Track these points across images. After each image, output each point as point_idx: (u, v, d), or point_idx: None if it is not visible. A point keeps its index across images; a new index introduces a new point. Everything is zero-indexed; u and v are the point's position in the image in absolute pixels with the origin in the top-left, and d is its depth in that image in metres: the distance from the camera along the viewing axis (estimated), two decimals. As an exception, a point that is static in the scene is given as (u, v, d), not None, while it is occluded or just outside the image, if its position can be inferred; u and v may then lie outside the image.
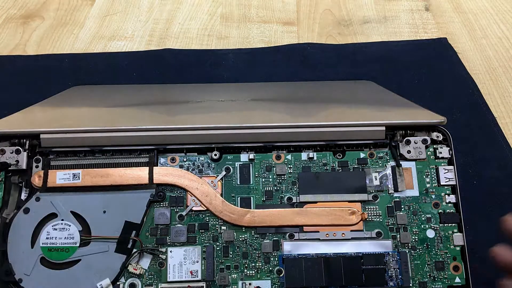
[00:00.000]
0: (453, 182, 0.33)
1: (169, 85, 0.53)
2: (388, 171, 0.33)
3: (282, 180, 0.33)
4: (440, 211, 0.33)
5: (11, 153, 0.33)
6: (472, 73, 0.56)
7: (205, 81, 0.56)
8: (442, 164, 0.33)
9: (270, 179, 0.33)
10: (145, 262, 0.31)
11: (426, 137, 0.34)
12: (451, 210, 0.33)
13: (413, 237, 0.32)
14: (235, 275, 0.31)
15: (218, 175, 0.33)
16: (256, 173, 0.33)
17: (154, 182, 0.32)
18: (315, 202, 0.33)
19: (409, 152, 0.33)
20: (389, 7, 0.66)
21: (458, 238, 0.32)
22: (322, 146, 0.34)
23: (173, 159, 0.33)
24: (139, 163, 0.33)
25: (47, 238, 0.31)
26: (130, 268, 0.31)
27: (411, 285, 0.31)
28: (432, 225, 0.32)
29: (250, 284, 0.31)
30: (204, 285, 0.31)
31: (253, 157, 0.33)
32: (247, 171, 0.33)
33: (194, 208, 0.32)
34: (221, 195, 0.33)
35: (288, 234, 0.32)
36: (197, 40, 0.62)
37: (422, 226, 0.32)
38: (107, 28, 0.64)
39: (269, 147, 0.34)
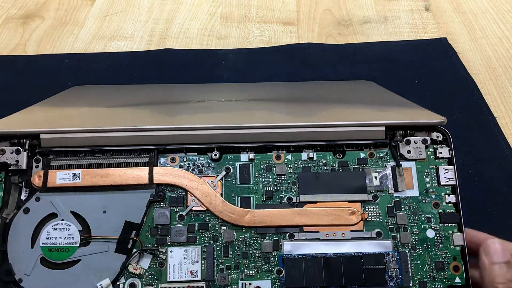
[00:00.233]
0: (453, 182, 0.33)
1: (169, 85, 0.53)
2: (388, 171, 0.33)
3: (282, 180, 0.33)
4: (440, 211, 0.32)
5: (11, 153, 0.33)
6: (472, 73, 0.56)
7: (205, 81, 0.56)
8: (442, 164, 0.33)
9: (270, 179, 0.33)
10: (145, 262, 0.31)
11: (426, 137, 0.34)
12: (451, 210, 0.33)
13: (413, 237, 0.32)
14: (235, 275, 0.31)
15: (218, 175, 0.33)
16: (256, 173, 0.33)
17: (154, 182, 0.32)
18: (315, 202, 0.33)
19: (409, 152, 0.33)
20: (389, 7, 0.66)
21: (458, 238, 0.32)
22: (322, 146, 0.34)
23: (173, 159, 0.33)
24: (139, 163, 0.33)
25: (47, 238, 0.31)
26: (130, 268, 0.31)
27: (411, 285, 0.31)
28: (432, 225, 0.32)
29: (250, 284, 0.31)
30: (204, 285, 0.31)
31: (253, 157, 0.33)
32: (247, 171, 0.33)
33: (194, 208, 0.32)
34: (221, 195, 0.33)
35: (288, 234, 0.32)
36: (197, 40, 0.62)
37: (422, 226, 0.32)
38: (107, 28, 0.64)
39: (269, 147, 0.34)
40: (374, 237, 0.32)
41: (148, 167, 0.33)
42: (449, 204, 0.33)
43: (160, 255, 0.31)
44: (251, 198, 0.33)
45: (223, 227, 0.32)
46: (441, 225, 0.32)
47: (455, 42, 0.60)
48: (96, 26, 0.64)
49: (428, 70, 0.56)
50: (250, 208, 0.32)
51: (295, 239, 0.32)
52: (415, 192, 0.33)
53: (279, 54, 0.59)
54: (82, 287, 0.31)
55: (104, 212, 0.32)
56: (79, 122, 0.37)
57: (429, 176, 0.33)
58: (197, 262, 0.31)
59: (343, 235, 0.32)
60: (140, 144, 0.33)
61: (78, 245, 0.31)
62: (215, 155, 0.33)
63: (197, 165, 0.33)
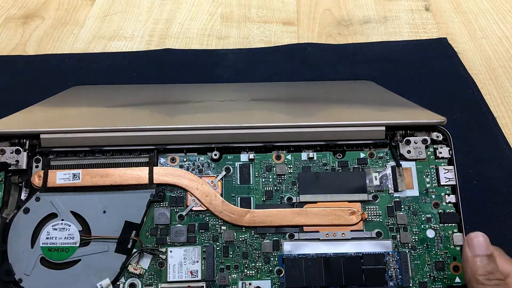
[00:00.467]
0: (453, 182, 0.33)
1: (169, 85, 0.53)
2: (388, 171, 0.33)
3: (282, 180, 0.33)
4: (440, 211, 0.33)
5: (11, 153, 0.33)
6: (472, 73, 0.56)
7: (205, 81, 0.56)
8: (442, 164, 0.33)
9: (270, 179, 0.33)
10: (145, 262, 0.31)
11: (426, 137, 0.34)
12: (451, 210, 0.33)
13: (413, 237, 0.32)
14: (235, 275, 0.31)
15: (218, 175, 0.33)
16: (256, 173, 0.33)
17: (154, 182, 0.32)
18: (315, 202, 0.33)
19: (409, 152, 0.33)
20: (389, 7, 0.66)
21: (458, 238, 0.32)
22: (322, 146, 0.34)
23: (173, 159, 0.33)
24: (139, 163, 0.33)
25: (47, 238, 0.31)
26: (130, 268, 0.31)
27: (411, 285, 0.31)
28: (432, 225, 0.32)
29: (250, 284, 0.31)
30: (204, 285, 0.31)
31: (253, 157, 0.33)
32: (247, 171, 0.33)
33: (194, 208, 0.32)
34: (221, 195, 0.33)
35: (288, 234, 0.32)
36: (197, 40, 0.62)
37: (422, 226, 0.32)
38: (107, 28, 0.64)
39: (269, 147, 0.34)
40: (374, 237, 0.32)
41: (148, 167, 0.33)
42: (449, 204, 0.33)
43: (160, 255, 0.31)
44: (251, 198, 0.33)
45: (223, 227, 0.32)
46: (441, 225, 0.32)
47: (455, 42, 0.60)
48: (96, 26, 0.64)
49: (428, 70, 0.56)
50: (250, 208, 0.33)
51: (295, 239, 0.32)
52: (415, 192, 0.33)
53: (279, 54, 0.59)
54: (82, 287, 0.31)
55: (104, 212, 0.32)
56: (79, 122, 0.37)
57: (429, 176, 0.33)
58: (197, 262, 0.31)
59: (343, 235, 0.32)
60: (140, 144, 0.33)
61: (78, 245, 0.31)
62: (215, 155, 0.33)
63: (197, 165, 0.33)
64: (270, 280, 0.31)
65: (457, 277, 0.31)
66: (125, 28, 0.64)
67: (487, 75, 0.56)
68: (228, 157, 0.34)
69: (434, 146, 0.34)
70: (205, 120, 0.36)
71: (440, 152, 0.33)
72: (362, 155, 0.34)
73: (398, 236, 0.32)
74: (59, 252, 0.31)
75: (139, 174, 0.32)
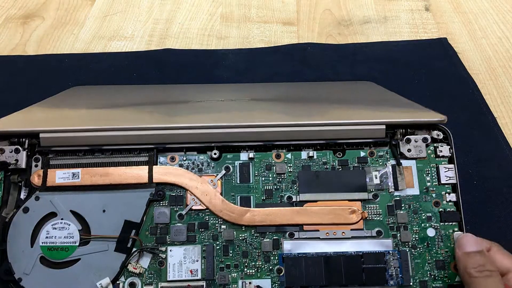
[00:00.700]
0: (453, 181, 0.33)
1: (169, 85, 0.53)
2: (389, 169, 0.33)
3: (282, 179, 0.33)
4: (440, 209, 0.32)
5: (10, 152, 0.33)
6: (472, 73, 0.56)
7: (205, 81, 0.56)
8: (443, 162, 0.33)
9: (270, 178, 0.33)
10: (145, 261, 0.31)
11: (427, 136, 0.34)
12: (452, 209, 0.33)
13: (414, 236, 0.32)
14: (235, 274, 0.31)
15: (217, 174, 0.33)
16: (256, 172, 0.33)
17: (154, 181, 0.32)
18: (315, 201, 0.33)
19: (409, 150, 0.33)
20: (389, 7, 0.67)
21: None
22: (322, 145, 0.34)
23: (172, 158, 0.33)
24: (139, 162, 0.33)
25: (46, 237, 0.31)
26: (130, 267, 0.31)
27: (411, 284, 0.31)
28: (432, 223, 0.32)
29: (250, 283, 0.31)
30: (204, 284, 0.31)
31: (252, 156, 0.33)
32: (247, 170, 0.33)
33: (194, 207, 0.32)
34: (221, 194, 0.33)
35: (288, 233, 0.32)
36: (197, 40, 0.62)
37: (422, 224, 0.32)
38: (107, 28, 0.64)
39: (269, 146, 0.34)
40: (374, 236, 0.32)
41: (147, 166, 0.33)
42: (450, 203, 0.33)
43: (160, 254, 0.31)
44: (251, 197, 0.33)
45: (223, 226, 0.32)
46: (441, 223, 0.32)
47: (455, 42, 0.60)
48: (96, 26, 0.64)
49: (428, 70, 0.56)
50: (250, 207, 0.32)
51: (295, 238, 0.32)
52: (415, 190, 0.33)
53: (279, 54, 0.59)
54: (82, 286, 0.31)
55: (104, 211, 0.32)
56: (79, 121, 0.37)
57: (429, 175, 0.33)
58: (197, 261, 0.31)
59: (343, 234, 0.32)
60: (140, 143, 0.33)
61: (77, 244, 0.31)
62: (215, 154, 0.33)
63: (197, 164, 0.33)
64: (270, 279, 0.31)
65: (457, 276, 0.31)
66: (125, 28, 0.64)
67: (487, 75, 0.56)
68: (228, 156, 0.34)
69: (435, 145, 0.34)
70: (204, 119, 0.36)
71: (441, 151, 0.33)
72: (362, 153, 0.34)
73: (399, 235, 0.32)
74: (58, 251, 0.31)
75: (139, 173, 0.32)
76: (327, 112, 0.39)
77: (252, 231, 0.32)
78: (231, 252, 0.32)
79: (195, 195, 0.32)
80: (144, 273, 0.31)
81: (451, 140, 0.33)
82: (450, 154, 0.33)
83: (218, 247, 0.32)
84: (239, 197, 0.33)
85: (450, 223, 0.32)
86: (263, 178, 0.33)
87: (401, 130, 0.34)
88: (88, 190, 0.32)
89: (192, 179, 0.33)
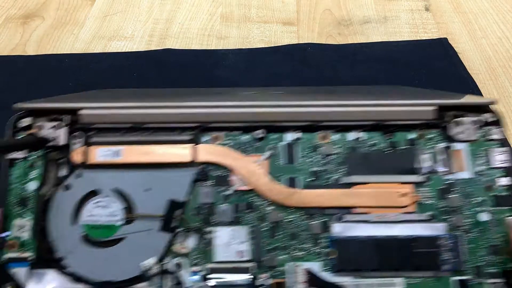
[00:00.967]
0: (507, 164, 0.31)
1: (203, 89, 0.51)
2: (439, 152, 0.32)
3: (329, 160, 0.32)
4: (493, 193, 0.31)
5: (49, 129, 0.32)
6: (472, 73, 0.56)
7: (205, 81, 0.56)
8: (495, 145, 0.32)
9: (317, 159, 0.32)
10: (191, 242, 0.30)
11: (478, 118, 0.32)
12: (505, 193, 0.31)
13: (467, 220, 0.31)
14: (283, 256, 0.30)
15: (263, 155, 0.32)
16: (302, 153, 0.32)
17: (198, 160, 0.31)
18: (365, 183, 0.31)
19: (460, 133, 0.32)
20: (389, 7, 0.67)
21: None
22: (370, 126, 0.32)
23: (216, 138, 0.32)
24: (182, 140, 0.32)
25: (89, 215, 0.30)
26: (176, 248, 0.30)
27: (465, 269, 0.30)
28: (485, 208, 0.31)
29: (298, 265, 0.30)
30: (252, 265, 0.30)
31: (298, 137, 0.32)
32: (292, 151, 0.32)
33: (239, 188, 0.31)
34: (266, 174, 0.31)
35: (337, 215, 0.31)
36: (197, 40, 0.62)
37: (475, 209, 0.31)
38: (107, 28, 0.64)
39: (315, 126, 0.32)
40: (426, 220, 0.31)
41: (191, 145, 0.31)
42: (503, 187, 0.31)
43: (206, 235, 0.30)
44: (297, 178, 0.32)
45: (269, 207, 0.31)
46: (495, 208, 0.31)
47: (455, 42, 0.60)
48: (96, 26, 0.64)
49: (428, 70, 0.56)
50: (297, 189, 0.31)
51: (344, 221, 0.31)
52: (467, 174, 0.32)
53: (279, 54, 0.59)
54: (126, 266, 0.30)
55: (147, 190, 0.31)
56: (120, 100, 0.36)
57: (481, 158, 0.32)
58: (244, 242, 0.30)
59: (394, 217, 0.31)
60: (183, 122, 0.32)
61: (121, 223, 0.30)
62: (260, 134, 0.32)
63: (241, 144, 0.32)
64: (319, 262, 0.30)
65: None
66: (125, 28, 0.64)
67: (487, 75, 0.56)
68: (273, 136, 0.32)
69: (487, 128, 0.32)
70: (249, 100, 0.35)
71: (492, 134, 0.32)
72: (411, 136, 0.32)
73: (451, 219, 0.31)
74: (102, 230, 0.30)
75: (182, 152, 0.31)
76: (375, 97, 0.37)
77: (300, 213, 0.31)
78: (278, 234, 0.31)
79: (240, 175, 0.31)
80: (190, 254, 0.30)
81: (503, 123, 0.32)
82: (502, 137, 0.32)
83: (265, 229, 0.31)
84: (285, 178, 0.32)
85: (503, 207, 0.31)
86: (309, 159, 0.32)
87: (452, 113, 0.32)
88: (130, 168, 0.31)
89: (237, 159, 0.31)
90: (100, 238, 0.30)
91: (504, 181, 0.31)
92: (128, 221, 0.30)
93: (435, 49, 0.59)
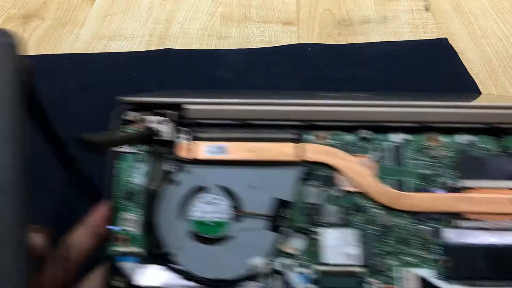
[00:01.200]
0: None
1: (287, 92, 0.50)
2: None
3: (438, 163, 0.31)
4: None
5: (155, 123, 0.31)
6: (472, 73, 0.56)
7: (205, 81, 0.56)
8: None
9: (425, 162, 0.31)
10: (298, 242, 0.30)
11: None
12: None
13: None
14: (393, 262, 0.29)
15: (369, 155, 0.31)
16: (410, 155, 0.31)
17: (304, 159, 0.30)
18: (478, 189, 0.30)
19: None
20: (389, 7, 0.66)
21: None
22: (481, 129, 0.31)
23: (320, 137, 0.31)
24: (285, 138, 0.31)
25: (196, 212, 0.30)
26: (283, 248, 0.29)
27: None
28: None
29: (408, 271, 0.29)
30: (360, 269, 0.29)
31: (406, 138, 0.31)
32: (400, 152, 0.31)
33: (346, 189, 0.30)
34: (374, 176, 0.30)
35: (449, 221, 0.29)
36: (197, 40, 0.62)
37: None
38: (107, 28, 0.64)
39: (424, 127, 0.31)
40: None
41: (296, 144, 0.31)
42: None
43: (314, 236, 0.30)
44: (405, 181, 0.30)
45: (378, 210, 0.30)
46: None
47: (455, 42, 0.60)
48: (96, 26, 0.64)
49: (428, 70, 0.56)
50: (406, 192, 0.30)
51: (457, 227, 0.29)
52: None
53: (279, 54, 0.59)
54: (234, 264, 0.29)
55: (253, 188, 0.30)
56: (224, 96, 0.35)
57: None
58: (353, 245, 0.29)
59: (511, 225, 0.29)
60: (287, 119, 0.31)
61: (228, 220, 0.30)
62: (366, 134, 0.31)
63: (346, 144, 0.31)
64: (431, 269, 0.29)
65: None
66: (125, 28, 0.64)
67: (487, 75, 0.56)
68: (379, 137, 0.31)
69: None
70: (354, 99, 0.33)
71: None
72: None
73: None
74: (209, 226, 0.30)
75: (288, 151, 0.30)
76: (481, 99, 0.36)
77: (411, 217, 0.30)
78: (388, 238, 0.30)
79: (347, 176, 0.30)
80: (297, 255, 0.29)
81: None
82: None
83: (374, 232, 0.30)
84: (392, 180, 0.30)
85: None
86: (418, 162, 0.31)
87: None
88: (236, 165, 0.31)
89: (344, 159, 0.30)
90: (208, 234, 0.30)
91: None
92: (235, 218, 0.30)
93: (435, 49, 0.59)
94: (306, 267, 0.29)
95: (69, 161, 0.33)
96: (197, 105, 0.31)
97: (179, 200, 0.30)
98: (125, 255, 0.30)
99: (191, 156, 0.31)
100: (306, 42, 0.61)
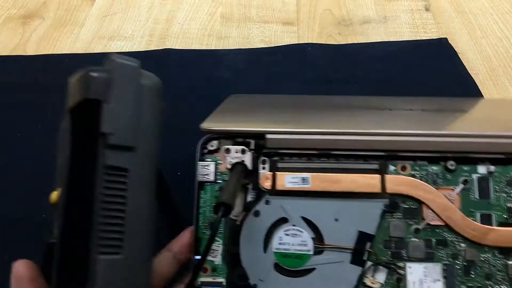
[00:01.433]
0: None
1: (321, 96, 0.49)
2: None
3: None
4: None
5: (236, 152, 0.32)
6: (472, 73, 0.56)
7: (205, 81, 0.56)
8: None
9: None
10: (381, 276, 0.29)
11: None
12: None
13: None
14: None
15: (455, 188, 0.30)
16: (497, 187, 0.30)
17: (387, 191, 0.30)
18: None
19: None
20: (389, 7, 0.66)
21: None
22: None
23: (403, 167, 0.31)
24: (367, 169, 0.31)
25: (279, 243, 0.30)
26: (367, 282, 0.29)
27: None
28: None
29: None
30: None
31: (492, 170, 0.30)
32: (486, 185, 0.30)
33: (431, 222, 0.30)
34: (459, 209, 0.30)
35: None
36: (197, 40, 0.62)
37: None
38: (107, 28, 0.64)
39: (510, 158, 0.30)
40: None
41: (379, 175, 0.30)
42: None
43: (398, 270, 0.29)
44: (492, 215, 0.30)
45: (463, 245, 0.29)
46: None
47: (455, 42, 0.60)
48: (96, 26, 0.64)
49: (428, 70, 0.56)
50: (492, 226, 0.29)
51: None
52: None
53: (279, 54, 0.59)
54: None
55: (336, 220, 0.30)
56: (302, 123, 0.35)
57: None
58: (438, 281, 0.29)
59: None
60: (370, 150, 0.31)
61: (312, 253, 0.30)
62: (451, 165, 0.30)
63: (430, 175, 0.31)
64: None
65: None
66: (125, 28, 0.64)
67: (487, 75, 0.56)
68: (464, 168, 0.30)
69: None
70: (437, 129, 0.33)
71: None
72: None
73: None
74: (293, 258, 0.30)
75: (371, 182, 0.30)
76: None
77: (496, 252, 0.29)
78: (472, 273, 0.29)
79: (432, 209, 0.30)
80: None
81: None
82: None
83: (458, 267, 0.29)
84: (478, 214, 0.30)
85: None
86: (505, 195, 0.30)
87: None
88: (318, 196, 0.30)
89: (429, 192, 0.30)
90: (291, 267, 0.30)
91: None
92: (319, 251, 0.30)
93: (435, 49, 0.59)
94: None
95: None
96: (278, 134, 0.31)
97: (263, 231, 0.30)
98: (210, 285, 0.30)
99: (274, 186, 0.31)
100: (306, 42, 0.61)
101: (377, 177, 0.30)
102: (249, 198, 0.32)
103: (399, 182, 0.30)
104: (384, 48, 0.60)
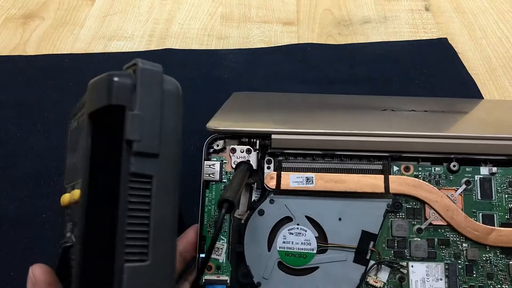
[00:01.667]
0: None
1: (327, 95, 0.49)
2: None
3: None
4: None
5: (241, 152, 0.32)
6: (472, 73, 0.56)
7: (205, 81, 0.56)
8: None
9: None
10: (384, 275, 0.30)
11: None
12: None
13: None
14: None
15: (457, 188, 0.31)
16: (499, 188, 0.31)
17: (391, 191, 0.30)
18: None
19: None
20: (389, 7, 0.66)
21: None
22: None
23: (407, 168, 0.31)
24: (372, 170, 0.31)
25: (283, 242, 0.30)
26: (370, 280, 0.30)
27: None
28: None
29: None
30: None
31: (494, 171, 0.31)
32: (488, 186, 0.31)
33: (433, 222, 0.30)
34: (461, 209, 0.30)
35: None
36: (197, 40, 0.62)
37: None
38: (107, 28, 0.64)
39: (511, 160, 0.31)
40: None
41: (383, 175, 0.31)
42: None
43: (401, 269, 0.30)
44: (494, 215, 0.30)
45: (464, 244, 0.30)
46: None
47: (455, 42, 0.60)
48: (96, 26, 0.64)
49: (428, 70, 0.56)
50: (493, 226, 0.30)
51: None
52: None
53: (279, 54, 0.59)
54: None
55: (340, 219, 0.30)
56: (307, 124, 0.35)
57: None
58: (441, 279, 0.29)
59: None
60: (374, 150, 0.31)
61: (315, 251, 0.30)
62: (454, 166, 0.31)
63: (433, 176, 0.31)
64: None
65: None
66: (125, 28, 0.64)
67: (487, 75, 0.56)
68: (467, 169, 0.31)
69: None
70: (440, 131, 0.33)
71: None
72: None
73: None
74: (296, 257, 0.30)
75: (375, 182, 0.31)
76: None
77: (498, 252, 0.30)
78: (474, 272, 0.30)
79: (434, 209, 0.30)
80: None
81: None
82: None
83: (460, 267, 0.30)
84: (480, 214, 0.30)
85: None
86: (506, 196, 0.31)
87: None
88: (322, 196, 0.31)
89: (431, 192, 0.30)
90: (295, 265, 0.30)
91: None
92: (322, 250, 0.30)
93: (435, 49, 0.59)
94: None
95: None
96: (284, 135, 0.31)
97: (267, 230, 0.31)
98: (214, 283, 0.30)
99: (278, 185, 0.31)
100: (306, 42, 0.61)
101: (380, 177, 0.31)
102: (254, 197, 0.32)
103: (402, 182, 0.31)
104: (384, 48, 0.60)
